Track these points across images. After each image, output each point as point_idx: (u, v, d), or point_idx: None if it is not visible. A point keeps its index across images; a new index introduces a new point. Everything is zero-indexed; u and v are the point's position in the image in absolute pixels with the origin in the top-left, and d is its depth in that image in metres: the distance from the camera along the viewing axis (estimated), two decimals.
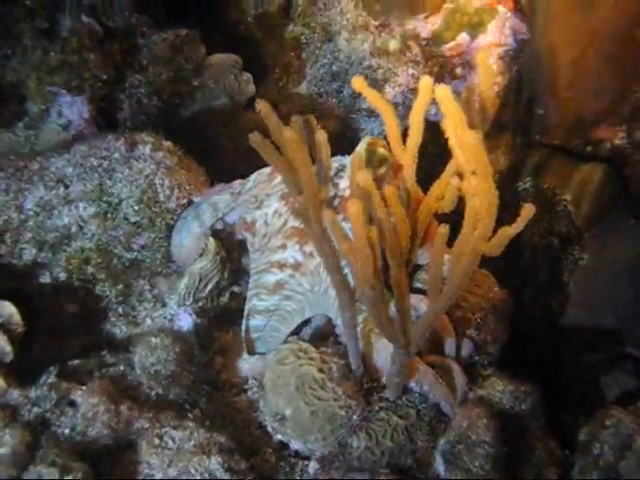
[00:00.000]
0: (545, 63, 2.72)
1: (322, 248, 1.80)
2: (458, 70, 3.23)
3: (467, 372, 2.11)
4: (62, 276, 2.25)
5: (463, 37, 3.08)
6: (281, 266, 2.10)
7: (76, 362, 2.07)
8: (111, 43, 2.76)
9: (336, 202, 2.10)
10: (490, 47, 3.06)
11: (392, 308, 1.82)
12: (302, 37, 3.52)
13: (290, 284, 2.09)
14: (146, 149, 2.32)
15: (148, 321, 2.31)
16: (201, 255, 2.17)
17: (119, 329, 2.30)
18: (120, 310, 2.30)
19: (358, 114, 3.42)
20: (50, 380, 1.92)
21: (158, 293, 2.31)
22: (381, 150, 2.07)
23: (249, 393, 2.11)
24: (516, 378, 2.13)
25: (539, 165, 2.68)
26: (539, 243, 2.65)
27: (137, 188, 2.25)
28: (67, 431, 1.82)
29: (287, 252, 2.11)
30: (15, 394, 1.86)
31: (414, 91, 3.25)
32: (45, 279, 2.24)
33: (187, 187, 2.31)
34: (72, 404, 1.85)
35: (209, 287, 2.19)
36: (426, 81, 1.85)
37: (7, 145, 2.72)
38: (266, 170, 2.26)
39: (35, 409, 1.84)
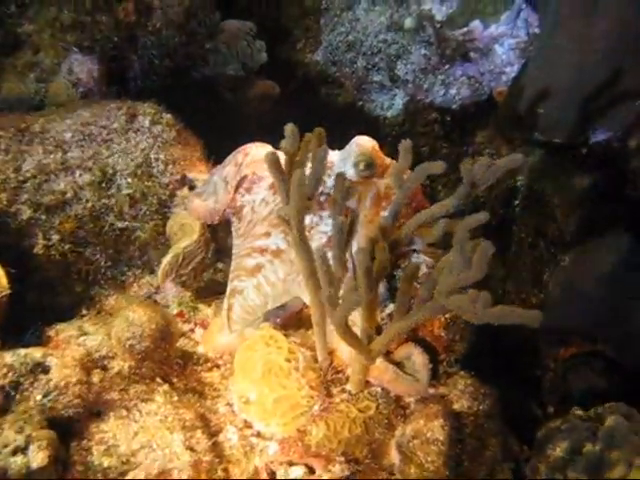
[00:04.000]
0: (549, 62, 2.74)
1: (300, 253, 1.87)
2: (471, 54, 3.25)
3: (432, 367, 2.17)
4: (55, 238, 2.32)
5: (476, 25, 3.10)
6: (262, 251, 2.17)
7: (58, 326, 2.17)
8: (126, 4, 2.79)
9: (322, 198, 2.16)
10: (502, 37, 3.08)
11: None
12: (323, 2, 3.54)
13: (266, 269, 2.15)
14: (145, 121, 2.38)
15: (135, 287, 2.39)
16: (185, 234, 2.24)
17: (106, 291, 2.38)
18: (109, 274, 2.38)
19: (370, 86, 3.45)
20: (28, 345, 2.01)
21: (147, 260, 2.38)
22: (369, 153, 2.12)
23: (222, 369, 2.18)
24: (478, 378, 2.20)
25: (533, 165, 2.72)
26: (525, 240, 2.71)
27: (132, 161, 2.32)
28: (39, 397, 1.91)
29: (270, 239, 2.17)
30: None
31: (424, 71, 3.29)
32: (38, 239, 2.31)
33: (182, 163, 2.38)
34: (46, 371, 1.94)
35: (191, 265, 2.26)
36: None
37: (17, 95, 2.78)
38: (265, 148, 2.29)
39: (10, 374, 1.92)
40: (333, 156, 2.19)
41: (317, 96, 3.53)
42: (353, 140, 2.19)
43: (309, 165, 1.97)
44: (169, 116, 2.45)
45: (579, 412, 2.38)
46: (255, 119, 3.16)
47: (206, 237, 2.26)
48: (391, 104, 3.43)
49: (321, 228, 2.15)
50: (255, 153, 2.29)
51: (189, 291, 2.33)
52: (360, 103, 3.51)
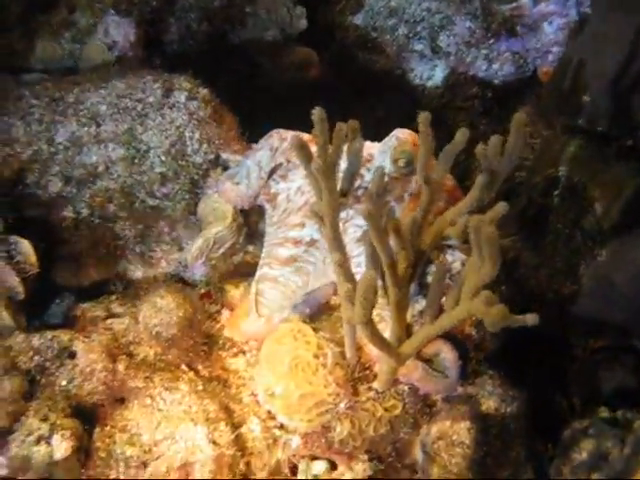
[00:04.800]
0: (598, 46, 2.65)
1: (332, 248, 1.82)
2: (518, 28, 3.16)
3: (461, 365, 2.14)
4: (84, 212, 2.29)
5: (525, 1, 3.01)
6: (296, 242, 2.13)
7: (84, 305, 2.15)
8: None
9: (359, 192, 2.11)
10: (551, 15, 2.99)
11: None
12: None
13: (302, 257, 2.12)
14: (181, 97, 2.32)
15: (163, 263, 2.36)
16: (217, 219, 2.20)
17: (134, 267, 2.36)
18: (137, 249, 2.35)
19: (410, 55, 3.37)
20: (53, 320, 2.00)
21: (176, 237, 2.35)
22: (409, 149, 2.06)
23: (247, 355, 2.14)
24: (507, 377, 2.17)
25: (575, 154, 2.65)
26: (562, 231, 2.65)
27: (166, 139, 2.27)
28: (64, 383, 1.90)
29: (304, 230, 2.13)
30: (20, 338, 1.93)
31: (468, 44, 3.20)
32: (68, 212, 2.28)
33: (216, 142, 2.32)
34: (72, 356, 1.93)
35: (222, 250, 2.22)
36: None
37: (51, 55, 2.72)
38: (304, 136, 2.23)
39: (36, 357, 1.91)
40: (372, 149, 2.13)
41: (355, 62, 3.44)
42: (393, 133, 2.12)
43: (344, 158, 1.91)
44: (205, 91, 2.39)
45: (605, 414, 2.34)
46: (292, 86, 3.09)
47: (238, 222, 2.22)
48: (431, 75, 3.35)
49: (356, 221, 2.11)
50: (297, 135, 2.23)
51: (218, 273, 2.29)
52: (399, 71, 3.42)
